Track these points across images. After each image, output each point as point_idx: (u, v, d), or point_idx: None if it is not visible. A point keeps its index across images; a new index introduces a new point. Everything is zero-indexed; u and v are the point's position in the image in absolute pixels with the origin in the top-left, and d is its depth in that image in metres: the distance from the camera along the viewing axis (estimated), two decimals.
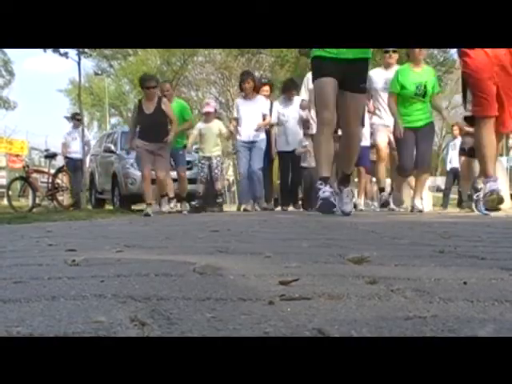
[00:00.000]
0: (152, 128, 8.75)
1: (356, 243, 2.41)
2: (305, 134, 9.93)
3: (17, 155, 23.90)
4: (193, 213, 9.48)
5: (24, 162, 14.59)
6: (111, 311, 0.96)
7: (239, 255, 1.90)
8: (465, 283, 1.24)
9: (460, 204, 10.78)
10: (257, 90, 10.23)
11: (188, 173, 10.98)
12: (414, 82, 7.65)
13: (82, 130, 13.82)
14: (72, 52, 15.47)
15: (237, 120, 10.13)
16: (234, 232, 3.21)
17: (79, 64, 15.40)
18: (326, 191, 5.56)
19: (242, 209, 10.13)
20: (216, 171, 10.37)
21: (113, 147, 12.72)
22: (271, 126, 10.34)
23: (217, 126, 10.39)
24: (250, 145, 9.95)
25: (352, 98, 5.63)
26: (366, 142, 8.86)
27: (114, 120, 50.83)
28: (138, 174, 12.53)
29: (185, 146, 10.53)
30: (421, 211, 7.69)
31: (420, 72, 7.84)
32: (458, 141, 12.36)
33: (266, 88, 10.76)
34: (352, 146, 6.05)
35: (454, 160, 13.53)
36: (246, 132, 9.93)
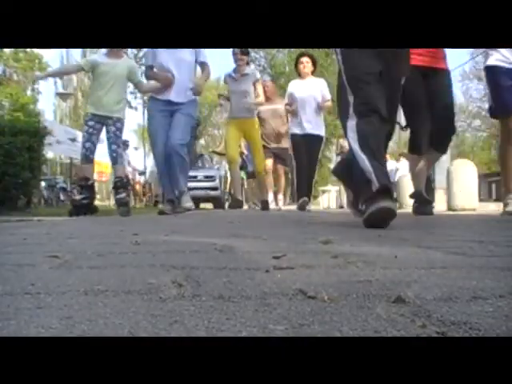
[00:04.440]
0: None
1: (324, 231, 2.38)
2: None
3: (102, 172, 24.03)
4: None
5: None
6: (159, 276, 0.93)
7: (246, 238, 1.87)
8: (396, 257, 1.21)
9: None
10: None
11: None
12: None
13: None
14: (140, 107, 16.21)
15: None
16: (243, 223, 3.18)
17: (144, 113, 16.75)
18: None
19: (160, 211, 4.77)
20: (114, 145, 4.39)
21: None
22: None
23: (126, 64, 4.37)
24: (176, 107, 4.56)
25: None
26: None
27: None
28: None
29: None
30: None
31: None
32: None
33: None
34: None
35: None
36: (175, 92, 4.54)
